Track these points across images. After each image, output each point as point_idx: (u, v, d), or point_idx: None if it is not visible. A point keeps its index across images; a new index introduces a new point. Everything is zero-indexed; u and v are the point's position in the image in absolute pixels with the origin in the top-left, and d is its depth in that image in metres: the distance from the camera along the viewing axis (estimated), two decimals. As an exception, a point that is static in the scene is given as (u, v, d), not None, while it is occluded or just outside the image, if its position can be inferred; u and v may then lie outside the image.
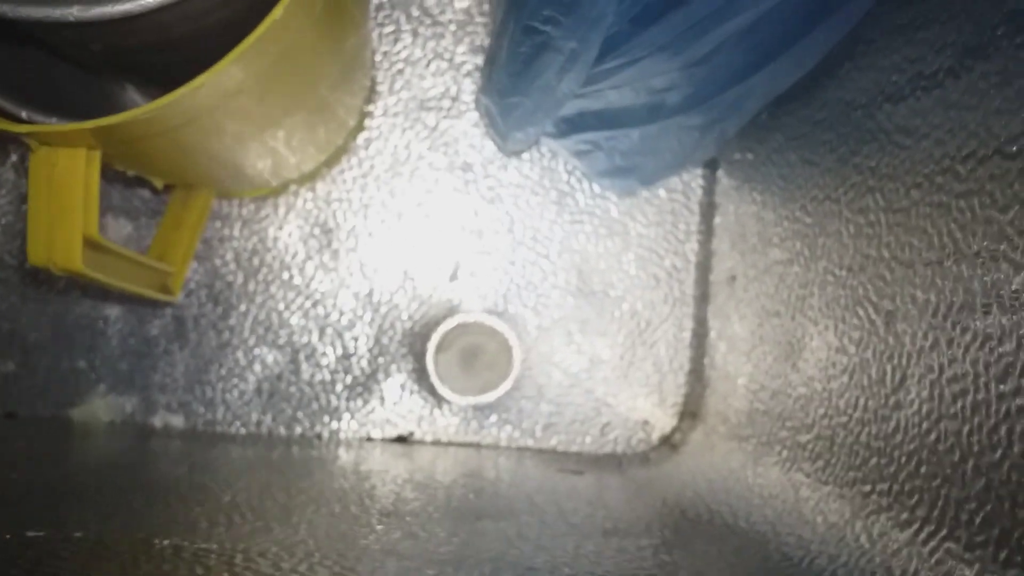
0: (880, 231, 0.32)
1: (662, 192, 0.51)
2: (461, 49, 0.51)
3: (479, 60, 0.51)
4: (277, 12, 0.26)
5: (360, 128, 0.51)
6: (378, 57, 0.51)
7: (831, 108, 0.37)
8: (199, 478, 0.39)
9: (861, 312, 0.33)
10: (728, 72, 0.34)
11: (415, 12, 0.51)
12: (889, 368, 0.31)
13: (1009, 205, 0.25)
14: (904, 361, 0.30)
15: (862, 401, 0.33)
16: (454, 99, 0.51)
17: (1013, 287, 0.25)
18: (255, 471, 0.41)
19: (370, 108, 0.51)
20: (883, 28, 0.33)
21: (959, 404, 0.27)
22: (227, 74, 0.26)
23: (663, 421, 0.52)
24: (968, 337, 0.27)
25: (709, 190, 0.51)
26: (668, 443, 0.52)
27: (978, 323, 0.26)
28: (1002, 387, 0.25)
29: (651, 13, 0.30)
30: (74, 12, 0.23)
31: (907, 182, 0.31)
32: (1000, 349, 0.25)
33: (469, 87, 0.51)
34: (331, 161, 0.50)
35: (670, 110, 0.37)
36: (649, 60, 0.33)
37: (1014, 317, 0.25)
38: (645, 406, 0.52)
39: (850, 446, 0.33)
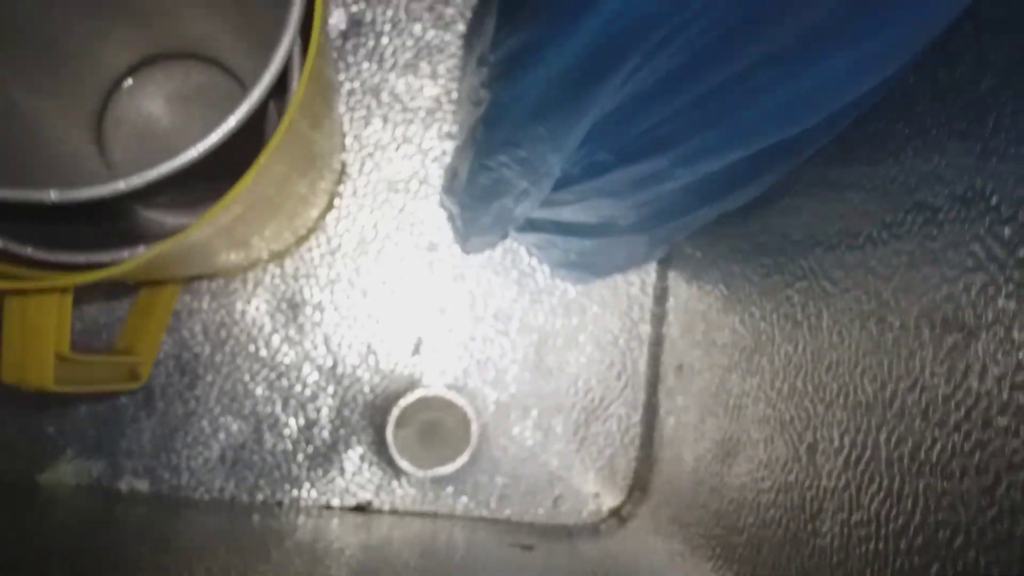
0: (806, 365, 0.35)
1: (618, 276, 0.54)
2: (430, 135, 0.53)
3: (447, 146, 0.53)
4: (242, 185, 0.27)
5: (329, 207, 0.52)
6: (349, 140, 0.53)
7: (770, 234, 0.39)
8: (160, 559, 0.40)
9: (787, 437, 0.36)
10: (673, 209, 0.36)
11: (385, 98, 0.53)
12: (808, 496, 0.34)
13: (915, 384, 0.28)
14: (821, 494, 0.33)
15: (784, 521, 0.35)
16: (422, 182, 0.53)
17: (911, 450, 0.27)
18: (215, 551, 0.42)
19: (340, 189, 0.53)
20: (819, 178, 0.35)
21: (863, 548, 0.29)
22: (192, 235, 0.28)
23: (613, 494, 0.54)
24: (874, 487, 0.29)
25: (663, 275, 0.54)
26: (617, 515, 0.54)
27: (884, 479, 0.29)
28: (900, 544, 0.27)
29: (597, 168, 0.32)
30: (51, 196, 0.25)
31: (829, 327, 0.33)
32: (899, 507, 0.28)
33: (436, 171, 0.53)
34: (300, 239, 0.52)
35: (619, 230, 0.39)
36: (597, 200, 0.35)
37: (915, 481, 0.27)
38: (597, 479, 0.54)
39: (774, 560, 0.36)
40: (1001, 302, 0.24)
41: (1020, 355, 0.23)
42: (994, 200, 0.25)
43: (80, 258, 0.32)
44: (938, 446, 0.26)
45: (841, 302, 0.33)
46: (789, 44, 0.23)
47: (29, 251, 0.31)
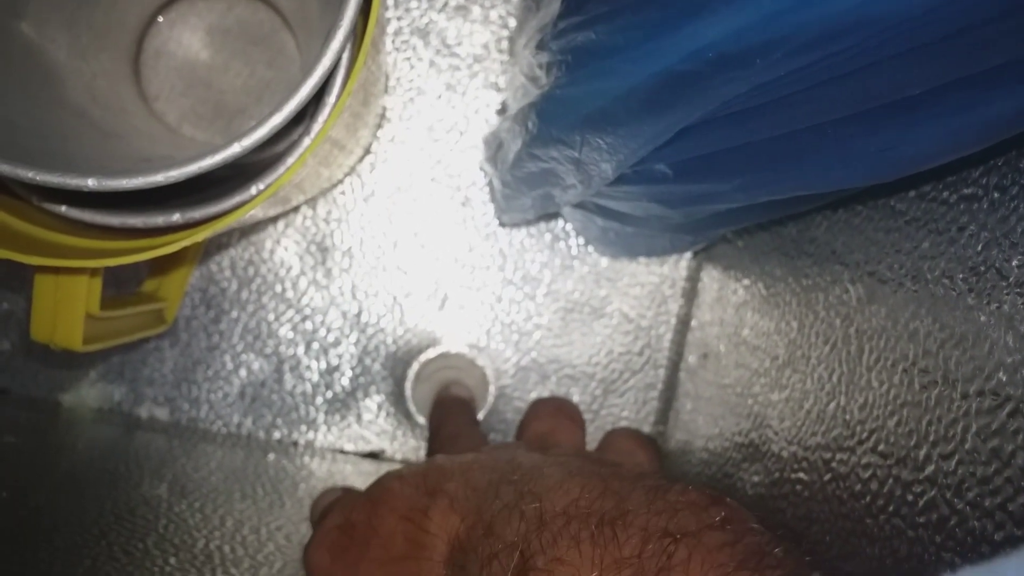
0: (839, 396, 0.34)
1: (653, 250, 0.52)
2: (475, 84, 0.51)
3: (491, 97, 0.51)
4: (317, 142, 0.26)
5: (367, 152, 0.51)
6: (392, 82, 0.51)
7: (818, 245, 0.38)
8: (177, 506, 0.41)
9: (811, 462, 0.35)
10: (724, 219, 0.35)
11: (434, 41, 0.51)
12: (827, 532, 0.33)
13: (951, 454, 0.27)
14: (843, 534, 0.32)
15: (796, 544, 0.35)
16: (462, 133, 0.51)
17: (937, 521, 0.27)
18: (231, 496, 0.43)
19: (378, 134, 0.51)
20: (881, 201, 0.33)
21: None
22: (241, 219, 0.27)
23: (622, 464, 0.54)
24: (886, 532, 0.29)
25: (699, 256, 0.52)
26: (624, 486, 0.54)
27: (906, 541, 0.28)
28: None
29: (654, 177, 0.30)
30: (89, 183, 0.24)
31: (869, 365, 0.32)
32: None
33: (478, 123, 0.51)
34: (335, 183, 0.51)
35: (665, 226, 0.38)
36: (647, 203, 0.33)
37: (938, 554, 0.27)
38: (607, 449, 0.54)
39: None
40: (1060, 396, 0.23)
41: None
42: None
43: (115, 220, 0.31)
44: (967, 525, 0.25)
45: (883, 342, 0.32)
46: (882, 107, 0.22)
47: (63, 209, 0.30)
